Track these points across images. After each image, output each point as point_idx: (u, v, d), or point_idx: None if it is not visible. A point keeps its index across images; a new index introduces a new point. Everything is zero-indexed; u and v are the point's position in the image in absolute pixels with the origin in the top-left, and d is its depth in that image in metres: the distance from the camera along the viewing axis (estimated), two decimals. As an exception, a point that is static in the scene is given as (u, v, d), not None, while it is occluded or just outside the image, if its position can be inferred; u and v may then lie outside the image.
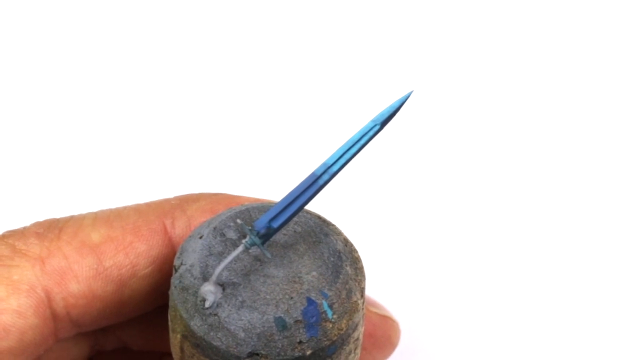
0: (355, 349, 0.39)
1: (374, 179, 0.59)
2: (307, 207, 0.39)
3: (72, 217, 0.42)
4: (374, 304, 0.46)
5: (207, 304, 0.37)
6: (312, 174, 0.37)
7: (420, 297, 0.55)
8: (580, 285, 0.56)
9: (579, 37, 0.64)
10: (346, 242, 0.39)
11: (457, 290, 0.56)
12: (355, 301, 0.38)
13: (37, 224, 0.42)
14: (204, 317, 0.37)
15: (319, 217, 0.40)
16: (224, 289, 0.37)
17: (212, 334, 0.37)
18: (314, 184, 0.37)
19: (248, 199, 0.43)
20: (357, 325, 0.38)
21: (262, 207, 0.40)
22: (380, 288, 0.55)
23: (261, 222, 0.37)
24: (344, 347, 0.38)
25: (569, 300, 0.56)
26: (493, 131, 0.60)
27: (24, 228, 0.42)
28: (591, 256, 0.57)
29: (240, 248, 0.37)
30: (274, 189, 0.42)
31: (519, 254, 0.57)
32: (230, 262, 0.37)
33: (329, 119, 0.60)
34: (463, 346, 0.54)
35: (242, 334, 0.36)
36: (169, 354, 0.45)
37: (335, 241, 0.39)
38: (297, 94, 0.62)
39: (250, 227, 0.37)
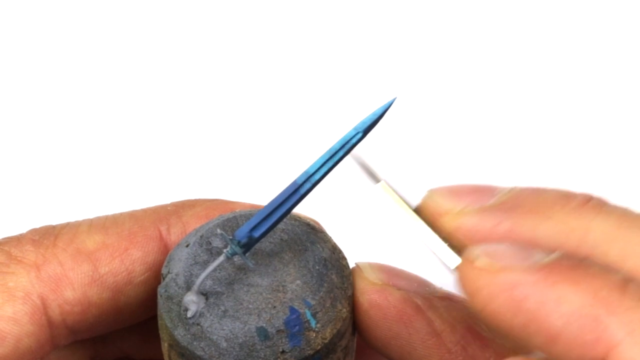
0: (345, 356, 0.39)
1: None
2: (299, 212, 0.39)
3: (67, 224, 0.42)
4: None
5: (189, 314, 0.37)
6: (294, 183, 0.37)
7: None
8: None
9: (560, 37, 0.63)
10: (334, 250, 0.39)
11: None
12: (341, 309, 0.37)
13: (33, 231, 0.42)
14: (187, 327, 0.37)
15: (308, 224, 0.40)
16: (207, 299, 0.37)
17: (195, 343, 0.36)
18: (296, 193, 0.36)
19: (244, 205, 0.42)
20: (344, 334, 0.38)
21: (250, 214, 0.39)
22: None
23: (242, 232, 0.36)
24: (331, 355, 0.37)
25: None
26: (478, 138, 0.60)
27: (20, 235, 0.42)
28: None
29: (222, 258, 0.37)
30: (271, 194, 0.41)
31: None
32: (213, 271, 0.37)
33: (325, 122, 0.60)
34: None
35: (225, 344, 0.36)
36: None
37: (321, 249, 0.38)
38: (289, 96, 0.61)
39: (231, 237, 0.37)
